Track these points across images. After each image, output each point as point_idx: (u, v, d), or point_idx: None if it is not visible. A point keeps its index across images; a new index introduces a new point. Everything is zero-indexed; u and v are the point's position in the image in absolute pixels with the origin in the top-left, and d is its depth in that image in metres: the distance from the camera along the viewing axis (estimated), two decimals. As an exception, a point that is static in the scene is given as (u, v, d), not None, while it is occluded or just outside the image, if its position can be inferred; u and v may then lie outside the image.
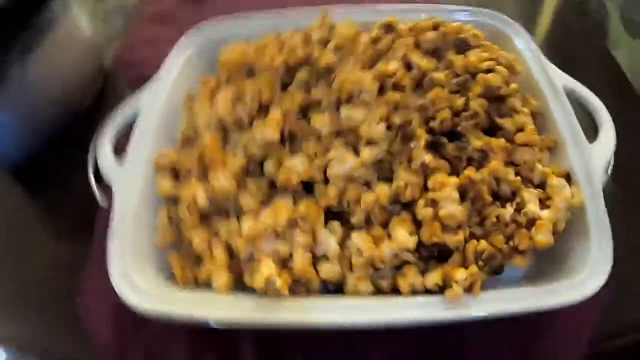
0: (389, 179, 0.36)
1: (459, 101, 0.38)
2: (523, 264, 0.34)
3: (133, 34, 0.58)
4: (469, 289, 0.32)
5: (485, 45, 0.41)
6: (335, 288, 0.34)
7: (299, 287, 0.34)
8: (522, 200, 0.35)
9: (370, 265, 0.33)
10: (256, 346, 0.36)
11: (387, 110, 0.35)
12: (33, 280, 0.41)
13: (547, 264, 0.36)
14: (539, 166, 0.37)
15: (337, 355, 0.37)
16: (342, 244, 0.34)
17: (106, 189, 0.38)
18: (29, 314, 0.40)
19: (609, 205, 0.35)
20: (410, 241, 0.33)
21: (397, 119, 0.35)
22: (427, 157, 0.35)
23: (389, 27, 0.40)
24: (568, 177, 0.36)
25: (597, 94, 0.42)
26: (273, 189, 0.37)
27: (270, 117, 0.37)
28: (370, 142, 0.35)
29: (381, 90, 0.37)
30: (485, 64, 0.39)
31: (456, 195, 0.33)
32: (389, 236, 0.34)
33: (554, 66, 0.43)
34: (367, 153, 0.35)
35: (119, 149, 0.39)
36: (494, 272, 0.34)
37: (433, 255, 0.34)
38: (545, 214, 0.34)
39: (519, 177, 0.36)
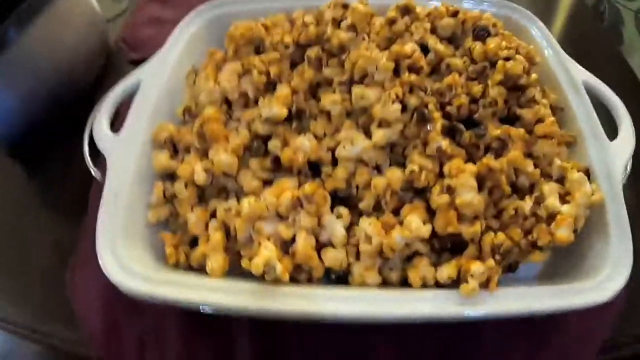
0: (400, 164, 0.34)
1: (476, 88, 0.36)
2: (541, 260, 0.32)
3: (138, 13, 0.57)
4: (484, 284, 0.30)
5: (504, 34, 0.39)
6: (339, 278, 0.32)
7: (300, 274, 0.31)
8: (541, 194, 0.33)
9: (378, 255, 0.31)
10: (252, 337, 0.34)
11: (403, 91, 0.33)
12: (32, 262, 0.39)
13: (563, 262, 0.34)
14: (557, 160, 0.35)
15: (339, 351, 0.34)
16: (349, 231, 0.32)
17: (104, 163, 0.35)
18: (27, 297, 0.37)
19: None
20: (425, 230, 0.30)
21: (413, 101, 0.33)
22: (444, 142, 0.32)
23: (405, 10, 0.38)
24: (587, 173, 0.34)
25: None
26: (276, 170, 0.34)
27: (278, 93, 0.35)
28: (383, 124, 0.33)
29: (395, 73, 0.35)
30: (505, 52, 0.37)
31: (474, 182, 0.31)
32: (400, 224, 0.31)
33: (573, 61, 0.41)
34: (380, 134, 0.33)
35: (118, 124, 0.37)
36: (507, 269, 0.32)
37: (446, 247, 0.32)
38: (565, 208, 0.32)
39: (538, 170, 0.34)
